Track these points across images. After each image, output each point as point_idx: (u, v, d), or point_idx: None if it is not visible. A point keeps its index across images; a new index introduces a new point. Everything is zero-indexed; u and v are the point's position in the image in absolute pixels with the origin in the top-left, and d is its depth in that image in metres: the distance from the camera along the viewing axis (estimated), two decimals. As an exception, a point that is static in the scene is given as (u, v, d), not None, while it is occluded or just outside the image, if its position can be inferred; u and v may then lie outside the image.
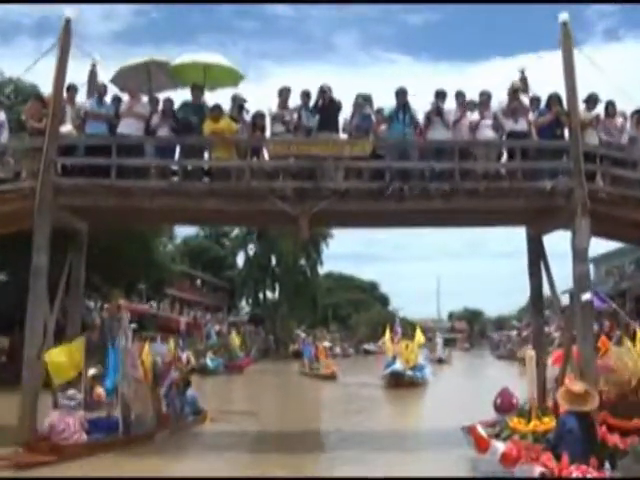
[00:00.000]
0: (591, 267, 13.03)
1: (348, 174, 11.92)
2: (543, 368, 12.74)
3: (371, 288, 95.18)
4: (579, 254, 11.31)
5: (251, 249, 64.58)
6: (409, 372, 26.13)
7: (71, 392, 11.09)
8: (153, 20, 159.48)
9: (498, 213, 12.48)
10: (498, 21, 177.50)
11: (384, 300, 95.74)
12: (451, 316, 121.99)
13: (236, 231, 65.56)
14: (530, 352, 12.00)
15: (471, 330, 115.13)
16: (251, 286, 64.36)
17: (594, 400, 8.20)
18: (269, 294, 65.50)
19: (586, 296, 11.19)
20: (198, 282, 62.58)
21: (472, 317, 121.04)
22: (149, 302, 43.70)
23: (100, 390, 13.03)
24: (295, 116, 12.06)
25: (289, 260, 61.42)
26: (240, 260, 66.58)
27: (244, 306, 70.35)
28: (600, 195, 11.58)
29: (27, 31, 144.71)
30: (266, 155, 12.14)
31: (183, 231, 54.45)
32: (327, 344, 49.16)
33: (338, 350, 55.56)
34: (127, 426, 11.56)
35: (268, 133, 12.21)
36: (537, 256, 13.16)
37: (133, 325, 34.57)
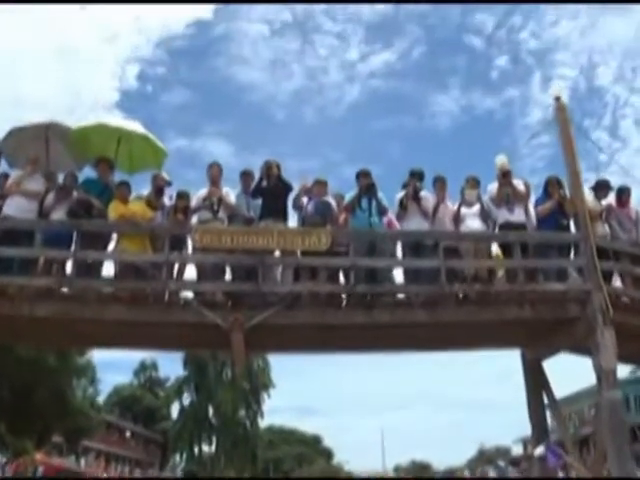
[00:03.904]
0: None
1: (299, 274, 9.06)
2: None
3: (314, 441, 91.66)
4: (607, 377, 8.59)
5: (187, 398, 60.19)
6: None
7: None
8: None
9: (491, 328, 9.62)
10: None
11: (328, 454, 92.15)
12: (397, 469, 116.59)
13: (172, 380, 61.76)
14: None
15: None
16: (186, 439, 59.33)
17: None
18: (205, 448, 60.61)
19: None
20: (128, 434, 57.66)
21: (420, 470, 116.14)
22: (68, 456, 39.16)
23: None
24: (231, 199, 9.34)
25: (228, 411, 57.14)
26: (175, 411, 62.09)
27: (178, 461, 65.10)
28: (623, 300, 9.07)
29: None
30: (190, 248, 9.13)
31: (114, 379, 50.80)
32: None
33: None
34: None
35: (194, 220, 9.37)
36: (538, 386, 10.42)
37: (49, 484, 30.36)
